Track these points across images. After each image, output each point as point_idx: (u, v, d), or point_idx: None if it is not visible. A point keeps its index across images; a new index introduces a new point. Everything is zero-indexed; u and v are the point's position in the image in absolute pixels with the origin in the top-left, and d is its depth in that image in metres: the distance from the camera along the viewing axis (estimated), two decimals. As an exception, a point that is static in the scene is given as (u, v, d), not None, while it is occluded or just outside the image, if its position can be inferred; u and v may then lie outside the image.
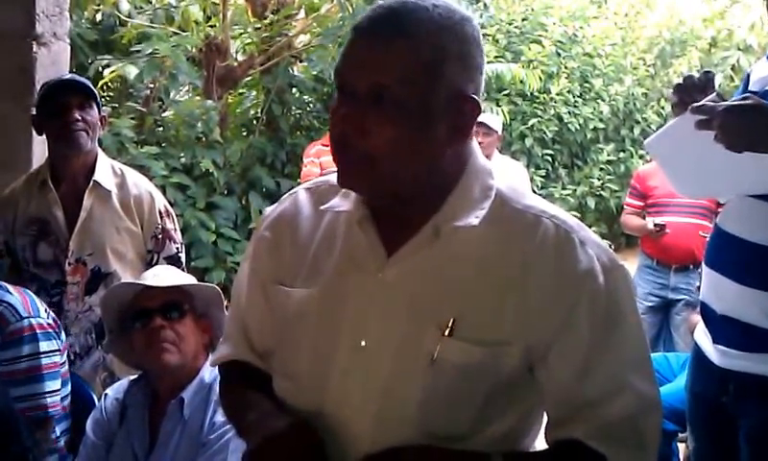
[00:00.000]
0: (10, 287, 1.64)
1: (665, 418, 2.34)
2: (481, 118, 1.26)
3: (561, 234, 0.84)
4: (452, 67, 0.81)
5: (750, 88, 1.43)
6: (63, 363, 1.67)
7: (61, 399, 1.65)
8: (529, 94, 6.46)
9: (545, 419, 0.90)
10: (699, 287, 1.56)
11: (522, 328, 0.82)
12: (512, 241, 0.84)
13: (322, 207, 0.91)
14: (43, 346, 1.59)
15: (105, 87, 4.56)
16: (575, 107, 6.81)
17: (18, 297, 1.62)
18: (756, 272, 1.33)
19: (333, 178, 0.90)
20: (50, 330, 1.62)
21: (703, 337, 1.46)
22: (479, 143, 0.90)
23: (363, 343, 0.85)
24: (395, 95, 0.79)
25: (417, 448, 0.82)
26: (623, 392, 0.83)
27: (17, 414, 1.42)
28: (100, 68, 4.40)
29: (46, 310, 1.67)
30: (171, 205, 2.23)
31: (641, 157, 6.96)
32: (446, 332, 0.81)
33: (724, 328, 1.39)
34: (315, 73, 5.32)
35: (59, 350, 1.64)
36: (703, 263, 1.46)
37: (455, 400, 0.83)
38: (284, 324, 0.91)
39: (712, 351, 1.42)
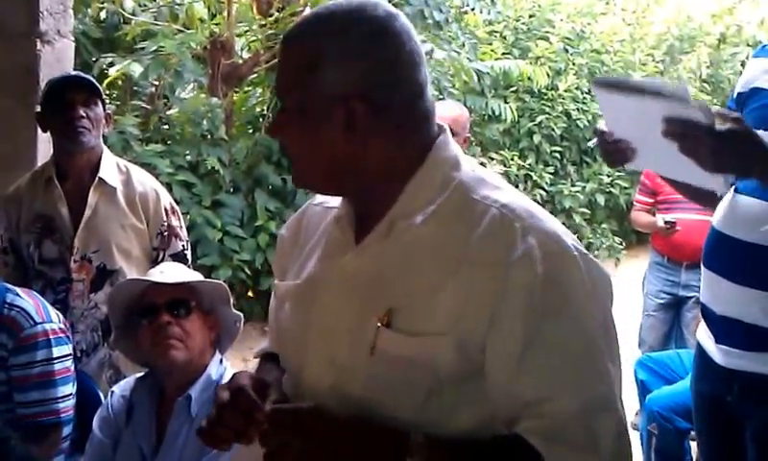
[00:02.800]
0: (21, 291, 1.64)
1: (678, 416, 2.33)
2: None
3: (504, 223, 0.82)
4: (331, 69, 0.83)
5: (738, 90, 1.42)
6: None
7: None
8: (537, 91, 6.44)
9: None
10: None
11: (455, 321, 0.80)
12: (458, 233, 0.83)
13: (313, 204, 0.99)
14: (56, 351, 1.60)
15: (109, 86, 4.55)
16: (583, 103, 6.77)
17: (30, 301, 1.62)
18: (754, 272, 1.32)
19: None
20: (62, 336, 1.63)
21: (705, 337, 1.44)
22: None
23: (326, 331, 0.88)
24: (285, 101, 0.88)
25: (321, 411, 0.81)
26: (566, 389, 0.79)
27: (7, 432, 1.41)
28: (104, 66, 4.39)
29: (57, 314, 1.67)
30: (177, 202, 2.21)
31: (650, 153, 6.89)
32: (384, 323, 0.82)
33: (725, 329, 1.37)
34: (321, 70, 5.27)
35: (70, 355, 1.65)
36: (701, 264, 1.44)
37: (395, 392, 0.83)
38: (272, 314, 0.99)
39: (715, 351, 1.40)
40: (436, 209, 0.85)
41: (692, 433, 2.38)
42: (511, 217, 0.82)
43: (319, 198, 1.01)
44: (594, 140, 1.36)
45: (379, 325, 0.82)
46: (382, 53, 0.83)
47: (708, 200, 1.44)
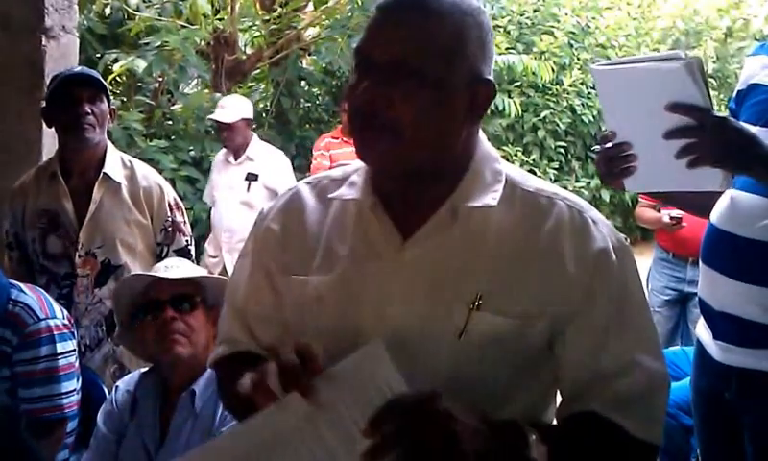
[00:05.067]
0: (24, 287, 1.64)
1: (684, 412, 2.31)
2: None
3: (575, 215, 0.89)
4: (473, 50, 0.85)
5: (738, 88, 1.42)
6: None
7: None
8: (541, 86, 6.40)
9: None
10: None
11: (546, 303, 0.85)
12: (528, 221, 0.88)
13: (330, 196, 0.94)
14: (60, 347, 1.60)
15: (113, 81, 4.56)
16: (588, 98, 6.73)
17: (34, 297, 1.62)
18: (752, 268, 1.31)
19: (333, 173, 0.97)
20: (66, 331, 1.63)
21: (704, 333, 1.44)
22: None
23: (385, 324, 0.85)
24: (419, 69, 0.82)
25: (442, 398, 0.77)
26: (635, 369, 0.86)
27: (19, 414, 1.41)
28: (108, 62, 4.40)
29: (61, 310, 1.67)
30: (180, 198, 2.22)
31: (655, 149, 6.86)
32: (475, 307, 0.84)
33: (723, 325, 1.37)
34: (324, 66, 5.31)
35: (74, 350, 1.65)
36: (699, 260, 1.43)
37: (483, 373, 0.85)
38: (299, 311, 0.91)
39: (713, 346, 1.40)
40: (503, 196, 0.88)
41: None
42: (578, 209, 0.89)
43: (304, 191, 0.95)
44: (597, 147, 1.34)
45: (471, 309, 0.84)
46: (492, 44, 0.90)
47: (706, 209, 1.43)
